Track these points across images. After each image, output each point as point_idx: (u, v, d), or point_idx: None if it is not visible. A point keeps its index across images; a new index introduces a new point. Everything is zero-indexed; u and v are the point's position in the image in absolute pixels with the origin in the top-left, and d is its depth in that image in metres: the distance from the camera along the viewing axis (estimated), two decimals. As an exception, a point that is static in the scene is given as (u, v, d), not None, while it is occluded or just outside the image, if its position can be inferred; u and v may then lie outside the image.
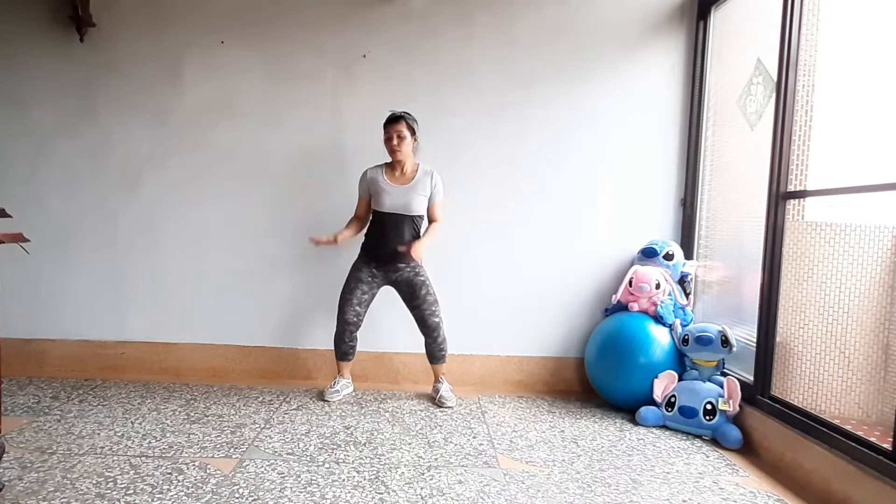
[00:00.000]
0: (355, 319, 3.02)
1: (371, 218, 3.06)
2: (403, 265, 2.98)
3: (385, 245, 2.94)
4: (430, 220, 3.04)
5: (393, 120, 2.94)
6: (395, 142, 2.91)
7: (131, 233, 3.37)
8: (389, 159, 3.01)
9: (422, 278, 3.01)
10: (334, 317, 3.21)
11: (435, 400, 3.08)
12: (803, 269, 2.47)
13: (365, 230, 3.07)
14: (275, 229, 3.36)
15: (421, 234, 3.02)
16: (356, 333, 3.07)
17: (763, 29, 2.70)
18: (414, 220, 2.97)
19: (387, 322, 3.35)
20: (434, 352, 3.09)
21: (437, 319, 3.03)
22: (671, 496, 2.14)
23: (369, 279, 3.01)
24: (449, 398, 3.05)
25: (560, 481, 2.22)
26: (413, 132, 2.96)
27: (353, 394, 3.14)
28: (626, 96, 3.32)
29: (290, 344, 3.41)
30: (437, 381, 3.14)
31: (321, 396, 3.07)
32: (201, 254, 3.38)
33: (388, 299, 3.22)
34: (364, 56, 3.32)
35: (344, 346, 3.08)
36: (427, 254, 2.98)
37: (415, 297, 3.01)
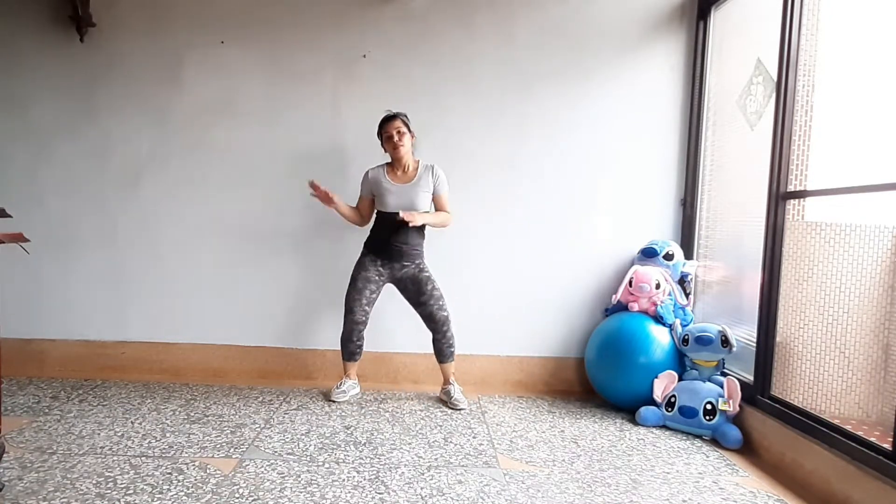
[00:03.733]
0: (364, 318, 3.02)
1: (375, 217, 3.05)
2: (409, 263, 2.98)
3: (391, 244, 2.94)
4: (438, 213, 3.05)
5: (389, 118, 2.95)
6: (395, 138, 2.91)
7: (131, 233, 3.37)
8: (389, 160, 3.02)
9: (426, 274, 3.01)
10: (334, 316, 3.22)
11: (447, 403, 3.05)
12: (803, 270, 2.47)
13: (369, 228, 3.07)
14: (275, 229, 3.36)
15: (423, 234, 3.04)
16: (363, 333, 3.06)
17: (763, 29, 2.70)
18: None
19: (387, 322, 3.35)
20: (443, 349, 3.06)
21: (445, 314, 3.02)
22: (671, 496, 2.14)
23: (376, 278, 3.01)
24: (461, 400, 3.02)
25: (560, 481, 2.22)
26: (409, 129, 2.97)
27: (359, 395, 3.14)
28: (626, 96, 3.32)
29: (291, 344, 3.41)
30: (446, 382, 3.11)
31: (327, 397, 3.07)
32: (201, 254, 3.38)
33: (388, 299, 3.22)
34: (364, 56, 3.32)
35: (352, 346, 3.07)
36: (430, 250, 2.99)
37: (421, 293, 3.01)
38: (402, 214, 2.84)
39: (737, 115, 2.97)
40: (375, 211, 3.06)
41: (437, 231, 3.15)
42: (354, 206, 3.08)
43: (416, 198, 2.95)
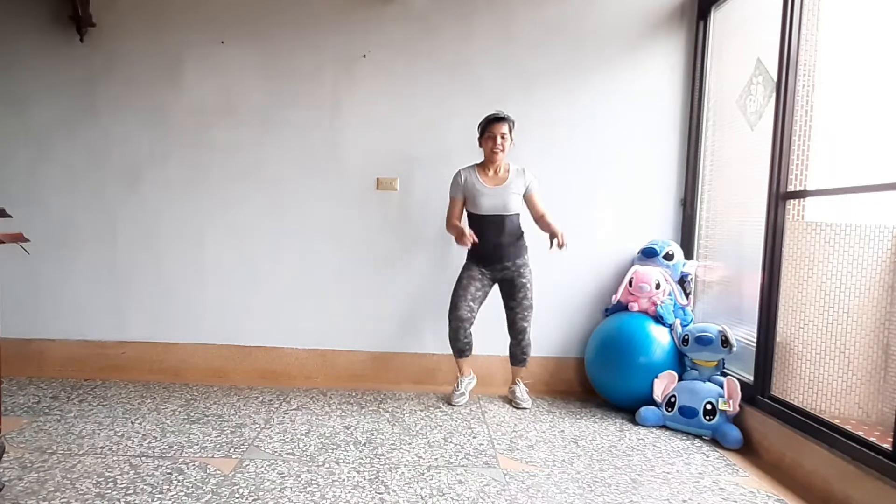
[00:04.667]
0: (469, 315, 2.98)
1: (468, 220, 3.01)
2: (509, 264, 2.98)
3: (487, 245, 2.93)
4: (538, 213, 2.98)
5: (497, 119, 2.90)
6: (498, 142, 2.88)
7: (131, 232, 3.37)
8: (481, 161, 3.00)
9: (524, 280, 3.00)
10: (334, 316, 3.22)
11: (511, 402, 3.10)
12: (803, 269, 2.47)
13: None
14: (274, 229, 3.36)
15: (518, 232, 3.00)
16: (470, 330, 3.01)
17: (763, 29, 2.70)
18: (512, 219, 2.95)
19: (387, 322, 3.35)
20: (517, 354, 3.09)
21: (525, 324, 3.02)
22: (671, 496, 2.14)
23: (480, 276, 3.01)
24: (524, 399, 3.07)
25: (560, 481, 2.22)
26: (511, 135, 2.94)
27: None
28: (626, 96, 3.33)
29: (291, 344, 3.41)
30: (514, 382, 3.16)
31: (448, 401, 3.06)
32: (201, 253, 3.38)
33: (388, 298, 3.22)
34: (364, 56, 3.32)
35: (460, 344, 3.03)
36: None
37: (512, 298, 3.02)
38: (558, 241, 2.79)
39: (737, 115, 2.97)
40: (466, 213, 3.02)
41: (439, 231, 3.14)
42: (448, 218, 3.02)
43: (509, 200, 2.92)
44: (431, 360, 3.36)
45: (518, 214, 2.99)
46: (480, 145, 2.98)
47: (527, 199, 3.00)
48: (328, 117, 3.34)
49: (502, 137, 2.89)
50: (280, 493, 2.04)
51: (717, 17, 3.20)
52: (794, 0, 2.47)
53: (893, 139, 2.33)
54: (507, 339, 3.33)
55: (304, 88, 3.32)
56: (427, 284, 3.34)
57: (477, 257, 3.00)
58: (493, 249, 2.94)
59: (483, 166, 3.00)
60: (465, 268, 3.04)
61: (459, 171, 3.02)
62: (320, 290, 3.37)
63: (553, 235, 2.83)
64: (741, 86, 2.93)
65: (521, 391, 3.12)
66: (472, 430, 2.72)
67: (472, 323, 3.02)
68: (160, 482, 2.08)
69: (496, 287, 3.09)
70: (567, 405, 3.15)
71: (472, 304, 2.99)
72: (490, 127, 2.91)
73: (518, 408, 3.03)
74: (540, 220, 2.98)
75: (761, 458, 2.51)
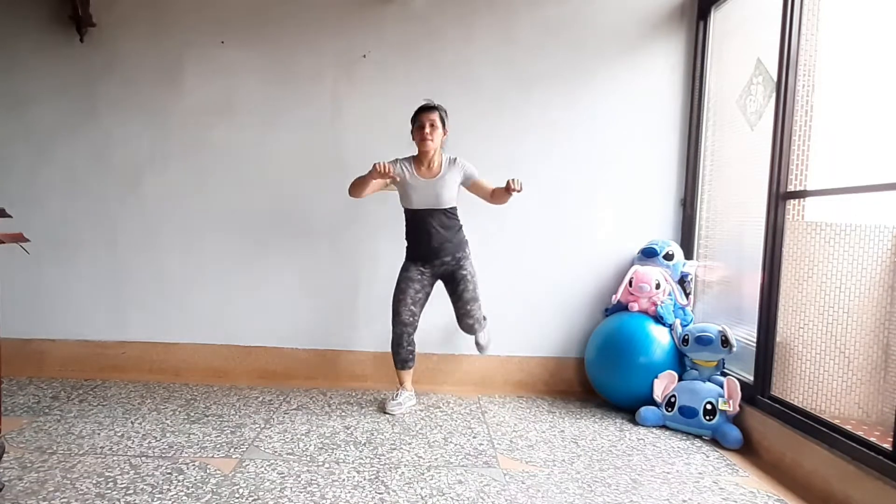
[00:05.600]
0: (411, 319, 2.91)
1: (404, 216, 2.95)
2: (448, 258, 2.89)
3: (422, 241, 2.86)
4: (489, 190, 2.86)
5: (426, 109, 2.80)
6: (426, 130, 2.76)
7: (131, 233, 3.37)
8: (416, 153, 2.88)
9: (464, 272, 2.91)
10: (334, 316, 3.22)
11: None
12: (803, 269, 2.47)
13: (404, 232, 2.98)
14: (275, 229, 3.36)
15: (455, 226, 2.91)
16: (413, 337, 2.95)
17: (763, 29, 2.70)
18: (446, 213, 2.86)
19: (387, 322, 3.35)
20: (479, 348, 3.17)
21: (471, 321, 2.96)
22: (671, 496, 2.14)
23: (419, 276, 2.91)
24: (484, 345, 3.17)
25: (560, 481, 2.22)
26: (444, 124, 2.83)
27: (415, 406, 3.03)
28: (626, 96, 3.33)
29: (291, 344, 3.41)
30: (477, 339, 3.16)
31: (382, 409, 2.95)
32: (201, 254, 3.38)
33: (388, 298, 3.21)
34: (364, 56, 3.32)
35: (403, 353, 2.95)
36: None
37: (454, 293, 2.94)
38: (512, 187, 2.65)
39: (737, 115, 2.97)
40: (403, 209, 2.95)
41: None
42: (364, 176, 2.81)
43: (441, 193, 2.81)
44: (431, 361, 3.36)
45: (454, 208, 2.89)
46: (413, 138, 2.85)
47: (472, 187, 2.89)
48: (328, 118, 3.34)
49: (431, 126, 2.76)
50: (280, 493, 2.04)
51: (716, 17, 3.21)
52: (794, 0, 2.47)
53: (893, 139, 2.33)
54: (506, 339, 3.33)
55: (305, 89, 3.32)
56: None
57: (414, 255, 2.93)
58: (428, 245, 2.85)
59: (418, 160, 2.87)
60: (403, 269, 2.94)
61: (397, 158, 2.88)
62: (320, 289, 3.37)
63: (507, 189, 2.68)
64: (741, 86, 2.93)
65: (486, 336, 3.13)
66: (472, 430, 2.72)
67: (415, 328, 2.94)
68: (160, 482, 2.08)
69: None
70: (567, 405, 3.15)
71: (413, 307, 2.90)
72: (419, 116, 2.80)
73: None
74: (494, 194, 2.85)
75: (761, 458, 2.51)
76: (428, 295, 2.98)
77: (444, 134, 2.86)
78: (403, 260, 2.97)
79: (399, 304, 2.91)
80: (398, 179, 2.81)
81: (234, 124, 3.33)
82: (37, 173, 3.34)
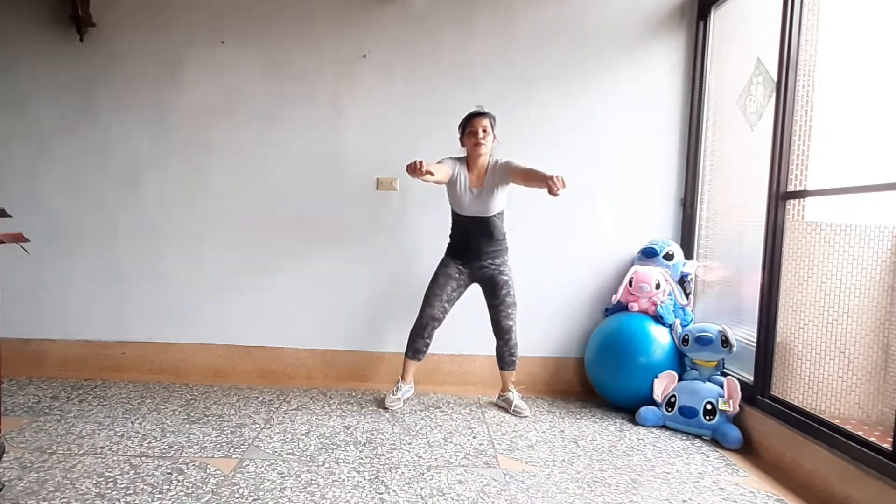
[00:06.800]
0: (441, 315, 2.94)
1: (451, 218, 2.99)
2: (489, 262, 2.93)
3: (468, 246, 2.92)
4: (526, 172, 2.73)
5: (478, 115, 2.84)
6: (480, 134, 2.78)
7: (131, 233, 3.37)
8: (465, 157, 2.90)
9: (504, 278, 2.93)
10: (334, 317, 3.21)
11: (509, 410, 2.98)
12: (803, 269, 2.47)
13: (449, 231, 3.01)
14: (275, 229, 3.36)
15: (500, 233, 2.93)
16: (434, 332, 2.97)
17: (763, 29, 2.70)
18: (494, 220, 2.89)
19: (386, 322, 3.35)
20: (504, 356, 3.01)
21: (510, 322, 2.95)
22: (671, 496, 2.14)
23: (457, 275, 2.95)
24: (523, 407, 2.97)
25: (560, 481, 2.22)
26: (493, 131, 2.85)
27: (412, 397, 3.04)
28: (626, 96, 3.33)
29: (291, 344, 3.41)
30: (505, 388, 3.06)
31: (380, 404, 2.98)
32: (201, 253, 3.37)
33: (388, 298, 3.21)
34: (364, 56, 3.32)
35: (419, 343, 2.97)
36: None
37: (494, 296, 2.95)
38: (556, 184, 2.47)
39: (737, 115, 2.97)
40: (451, 211, 2.98)
41: (439, 231, 3.14)
42: (438, 167, 2.78)
43: (491, 201, 2.85)
44: (432, 360, 3.35)
45: (501, 213, 2.93)
46: (463, 145, 2.90)
47: (517, 175, 2.76)
48: (328, 117, 3.34)
49: (484, 131, 2.80)
50: (280, 493, 2.04)
51: (716, 17, 3.21)
52: (794, 0, 2.47)
53: (893, 139, 2.33)
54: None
55: (305, 88, 3.32)
56: (427, 284, 3.32)
57: (456, 252, 2.97)
58: (474, 248, 2.91)
59: (468, 165, 2.91)
60: (443, 264, 2.98)
61: (452, 157, 2.91)
62: (320, 289, 3.37)
63: (549, 191, 2.51)
64: (741, 86, 2.93)
65: (517, 397, 3.02)
66: (472, 430, 2.72)
67: (441, 324, 2.96)
68: (160, 482, 2.08)
69: (471, 289, 3.02)
70: (567, 405, 3.15)
71: (445, 304, 2.94)
72: (471, 122, 2.84)
73: (518, 415, 2.93)
74: (531, 181, 2.70)
75: (761, 458, 2.51)
76: (461, 296, 3.01)
77: (494, 140, 2.89)
78: (443, 255, 3.01)
79: (434, 297, 2.93)
80: (429, 180, 2.71)
81: (233, 124, 3.33)
82: (37, 172, 3.34)
